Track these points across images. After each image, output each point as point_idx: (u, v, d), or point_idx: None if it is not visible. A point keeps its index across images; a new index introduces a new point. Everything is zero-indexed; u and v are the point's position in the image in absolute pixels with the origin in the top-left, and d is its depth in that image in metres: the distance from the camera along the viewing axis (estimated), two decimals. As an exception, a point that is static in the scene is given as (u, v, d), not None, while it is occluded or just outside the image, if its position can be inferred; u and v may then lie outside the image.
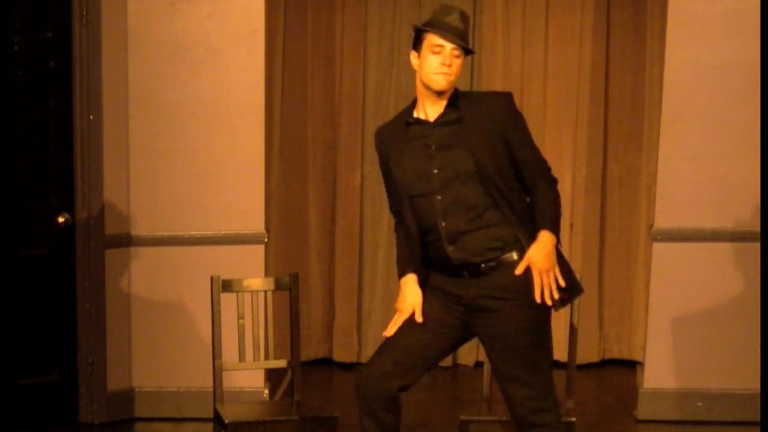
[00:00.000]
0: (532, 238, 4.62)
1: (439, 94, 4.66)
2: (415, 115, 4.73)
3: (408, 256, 4.83)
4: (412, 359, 4.73)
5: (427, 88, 4.67)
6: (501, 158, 4.65)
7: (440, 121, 4.68)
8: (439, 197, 4.64)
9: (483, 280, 4.65)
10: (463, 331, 4.76)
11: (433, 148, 4.66)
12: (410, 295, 4.78)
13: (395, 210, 4.85)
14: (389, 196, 4.87)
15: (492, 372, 4.85)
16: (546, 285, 4.59)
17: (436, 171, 4.64)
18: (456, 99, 4.70)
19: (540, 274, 4.59)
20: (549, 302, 4.60)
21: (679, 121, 6.42)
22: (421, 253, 4.77)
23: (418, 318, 4.72)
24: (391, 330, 4.76)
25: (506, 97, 4.76)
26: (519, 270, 4.61)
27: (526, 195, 4.72)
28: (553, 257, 4.61)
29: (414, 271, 4.79)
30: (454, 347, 4.87)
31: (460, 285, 4.69)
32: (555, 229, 4.66)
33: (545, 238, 4.61)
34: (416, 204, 4.70)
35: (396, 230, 4.90)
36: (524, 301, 4.61)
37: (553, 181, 4.75)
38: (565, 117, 7.45)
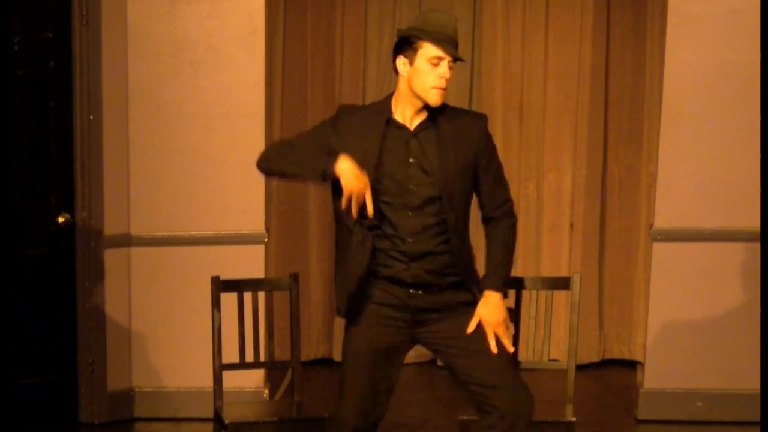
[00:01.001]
0: (472, 272, 4.65)
1: (429, 106, 4.56)
2: (394, 116, 4.59)
3: (317, 151, 4.55)
4: (374, 399, 4.66)
5: (418, 98, 4.55)
6: (466, 187, 4.63)
7: (419, 132, 4.58)
8: (411, 214, 4.57)
9: (431, 296, 4.63)
10: (410, 342, 4.73)
11: (412, 161, 4.56)
12: (359, 175, 4.46)
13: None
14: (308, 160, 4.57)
15: (458, 373, 4.69)
16: (501, 336, 4.63)
17: (413, 187, 4.56)
18: (435, 111, 4.58)
19: (491, 327, 4.62)
20: (510, 349, 4.64)
21: (679, 121, 6.42)
22: (368, 253, 4.61)
23: (371, 210, 4.48)
24: (345, 204, 4.49)
25: (484, 121, 4.69)
26: (470, 328, 4.62)
27: (484, 224, 4.72)
28: (502, 309, 4.65)
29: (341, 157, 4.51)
30: (405, 350, 4.78)
31: (405, 295, 4.63)
32: (503, 285, 4.68)
33: (492, 297, 4.64)
34: (385, 208, 4.56)
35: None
36: (469, 306, 4.65)
37: (514, 220, 4.74)
38: (565, 117, 7.45)
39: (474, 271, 4.69)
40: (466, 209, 4.66)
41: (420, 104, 4.56)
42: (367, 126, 4.59)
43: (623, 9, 7.38)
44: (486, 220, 4.73)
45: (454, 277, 4.63)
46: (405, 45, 4.54)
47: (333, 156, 4.49)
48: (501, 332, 4.63)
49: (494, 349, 4.60)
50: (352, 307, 4.65)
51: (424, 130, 4.58)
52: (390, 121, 4.58)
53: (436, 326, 4.66)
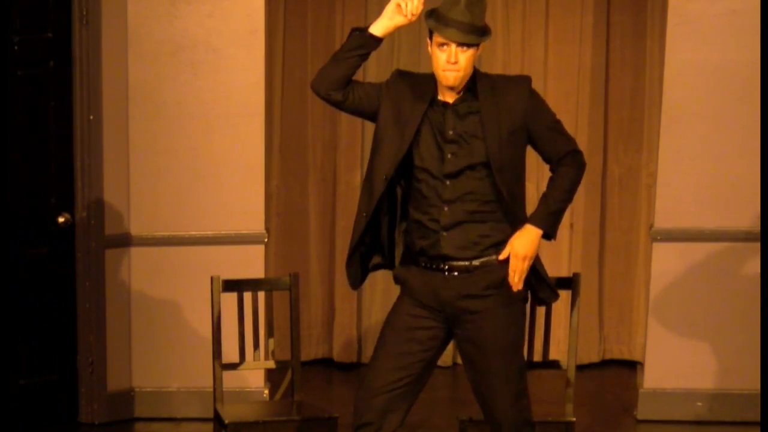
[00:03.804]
0: None
1: (450, 88, 4.61)
2: (438, 96, 4.65)
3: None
4: (401, 376, 4.69)
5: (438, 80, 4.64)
6: (515, 153, 4.63)
7: (458, 106, 4.62)
8: (449, 183, 4.62)
9: (464, 278, 4.65)
10: (446, 331, 4.75)
11: (451, 133, 4.61)
12: None
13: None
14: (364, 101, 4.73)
15: (469, 379, 4.78)
16: (519, 270, 4.63)
17: (450, 156, 4.61)
18: (474, 84, 4.63)
19: (516, 257, 4.62)
20: (517, 287, 4.64)
21: (679, 121, 6.42)
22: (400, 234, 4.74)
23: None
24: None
25: (525, 82, 4.70)
26: (502, 255, 4.63)
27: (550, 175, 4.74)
28: (534, 248, 4.64)
29: None
30: (441, 345, 4.80)
31: (437, 283, 4.67)
32: (547, 224, 4.66)
33: (530, 231, 4.64)
34: (423, 176, 4.65)
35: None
36: (503, 299, 4.65)
37: (577, 164, 4.68)
38: (565, 117, 7.37)
39: None
40: (520, 178, 4.68)
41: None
42: (416, 93, 4.66)
43: (623, 9, 7.37)
44: (552, 171, 4.73)
45: (487, 251, 4.64)
46: (429, 30, 4.61)
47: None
48: (520, 267, 4.62)
49: (512, 284, 4.63)
50: (401, 277, 4.74)
51: (463, 103, 4.62)
52: (434, 98, 4.65)
53: (467, 332, 4.68)
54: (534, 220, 4.66)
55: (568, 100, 7.44)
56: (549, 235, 4.70)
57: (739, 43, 6.31)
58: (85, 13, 6.29)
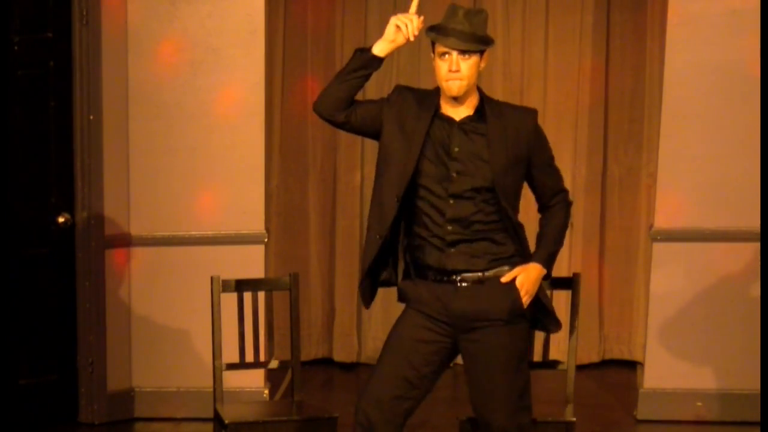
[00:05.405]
0: (525, 259, 4.71)
1: (455, 99, 4.61)
2: (442, 110, 4.64)
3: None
4: (404, 386, 4.70)
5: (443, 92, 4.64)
6: (517, 179, 4.68)
7: (465, 125, 4.62)
8: (452, 202, 4.62)
9: (476, 288, 4.66)
10: (451, 345, 4.75)
11: (456, 150, 4.61)
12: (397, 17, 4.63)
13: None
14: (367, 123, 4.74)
15: (471, 390, 4.79)
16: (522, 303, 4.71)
17: (455, 174, 4.61)
18: (482, 106, 4.64)
19: (521, 289, 4.68)
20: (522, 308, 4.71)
21: (679, 121, 6.42)
22: (408, 248, 4.73)
23: (419, 23, 4.60)
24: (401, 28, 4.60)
25: (533, 115, 4.74)
26: (506, 278, 4.67)
27: (540, 213, 4.81)
28: (538, 285, 4.72)
29: None
30: (446, 359, 4.81)
31: (447, 295, 4.66)
32: (549, 263, 4.76)
33: (535, 269, 4.71)
34: (425, 194, 4.64)
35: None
36: (511, 317, 4.67)
37: (568, 206, 4.81)
38: (565, 117, 7.45)
39: (524, 258, 4.74)
40: (517, 200, 4.72)
41: (452, 98, 4.61)
42: (419, 107, 4.66)
43: (623, 9, 7.38)
44: (541, 210, 4.80)
45: (494, 264, 4.66)
46: (432, 42, 4.62)
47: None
48: (523, 300, 4.68)
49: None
50: (407, 291, 4.74)
51: (470, 123, 4.63)
52: (437, 112, 4.64)
53: (474, 345, 4.69)
54: (539, 260, 4.73)
55: (568, 100, 7.45)
56: (548, 275, 4.80)
57: (739, 43, 6.31)
58: (85, 13, 6.29)
